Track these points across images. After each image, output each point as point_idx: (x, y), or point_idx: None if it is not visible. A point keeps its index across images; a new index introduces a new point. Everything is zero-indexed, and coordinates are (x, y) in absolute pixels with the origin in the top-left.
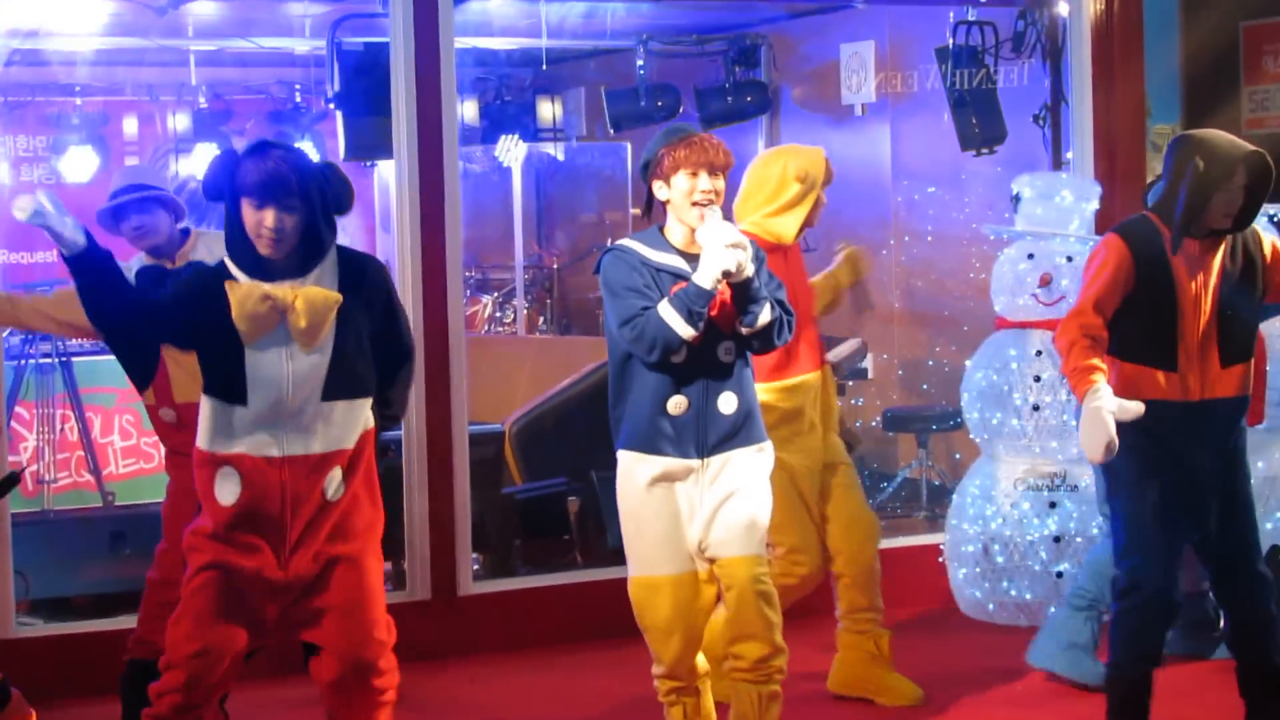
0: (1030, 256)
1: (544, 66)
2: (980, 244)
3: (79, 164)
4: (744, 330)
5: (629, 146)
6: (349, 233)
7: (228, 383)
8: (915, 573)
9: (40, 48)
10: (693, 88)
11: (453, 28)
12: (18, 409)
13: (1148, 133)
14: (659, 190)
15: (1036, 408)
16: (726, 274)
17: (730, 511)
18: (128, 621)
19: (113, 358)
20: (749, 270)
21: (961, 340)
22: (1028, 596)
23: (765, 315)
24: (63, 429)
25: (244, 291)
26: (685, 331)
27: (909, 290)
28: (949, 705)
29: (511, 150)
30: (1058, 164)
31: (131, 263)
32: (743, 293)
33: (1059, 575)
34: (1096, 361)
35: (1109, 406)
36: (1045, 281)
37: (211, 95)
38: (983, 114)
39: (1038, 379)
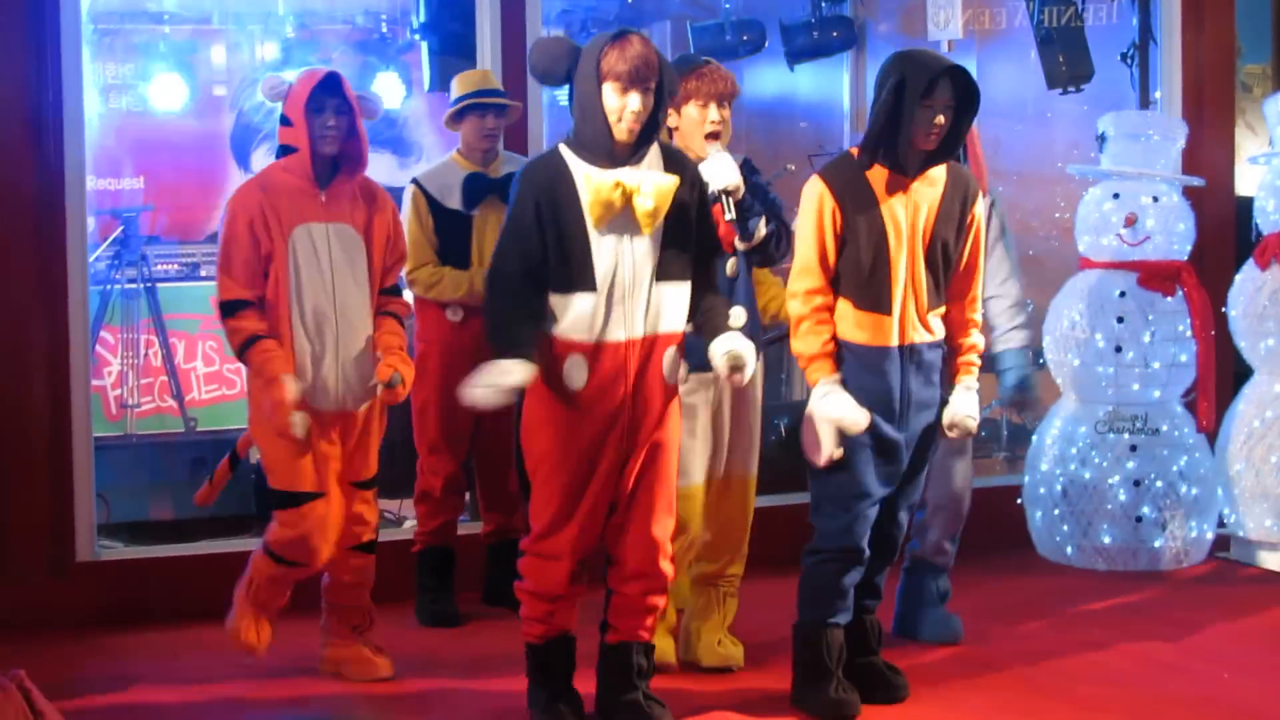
0: (1115, 196)
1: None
2: (1065, 183)
3: (167, 92)
4: (742, 246)
5: None
6: (434, 162)
7: (576, 271)
8: (993, 514)
9: None
10: (778, 22)
11: None
12: (103, 333)
13: (1237, 72)
14: (669, 118)
15: (1119, 349)
16: (726, 191)
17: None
18: (207, 546)
19: (197, 284)
20: (743, 189)
21: (1045, 280)
22: (1106, 540)
23: (761, 228)
24: (146, 354)
25: (599, 181)
26: None
27: None
28: (1026, 646)
29: None
30: (1145, 103)
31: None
32: (739, 210)
33: (1139, 520)
34: (827, 342)
35: (832, 415)
36: (1130, 222)
37: (298, 25)
38: (1070, 52)
39: (1120, 320)
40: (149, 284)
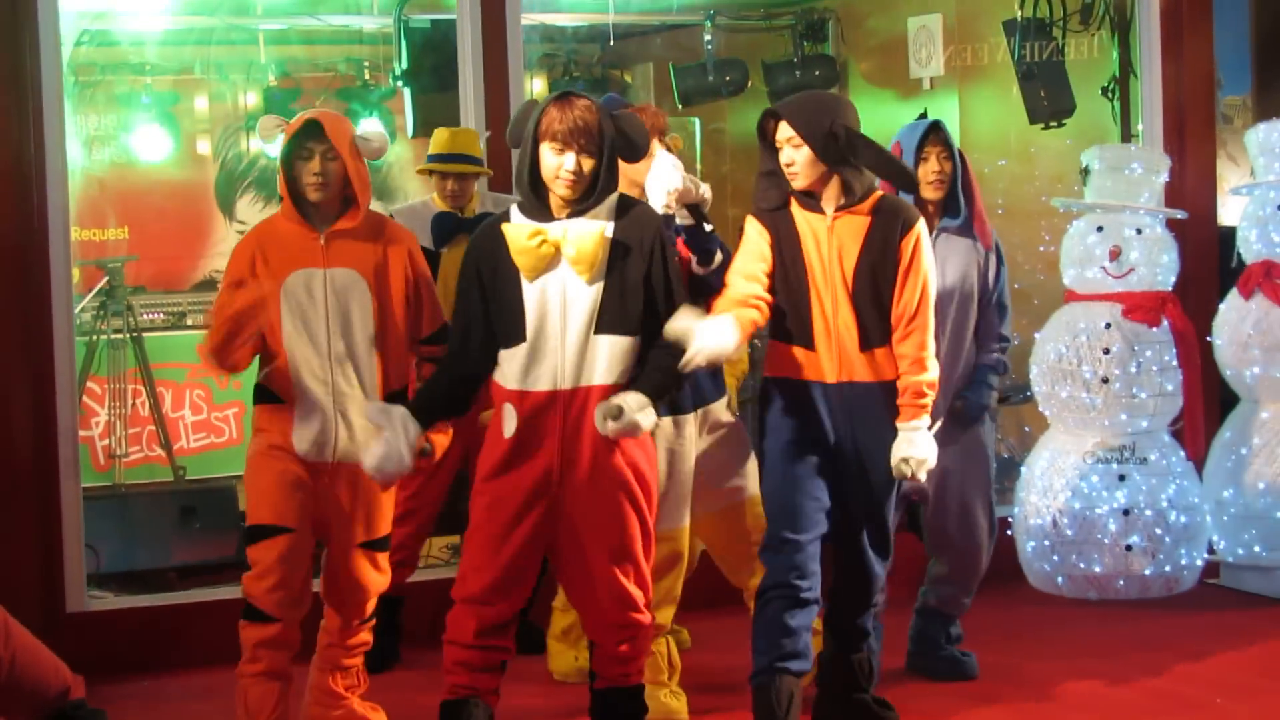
0: (1099, 229)
1: (611, 42)
2: (1049, 217)
3: (150, 143)
4: (700, 270)
5: (698, 121)
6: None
7: (511, 323)
8: None
9: (109, 27)
10: (760, 62)
11: (519, 3)
12: (90, 384)
13: (1218, 104)
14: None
15: (1105, 380)
16: (681, 195)
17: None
18: (198, 595)
19: (183, 333)
20: (696, 192)
21: (1031, 313)
22: (1097, 569)
23: (719, 255)
24: (134, 404)
25: (520, 230)
26: None
27: None
28: (1016, 677)
29: None
30: (1127, 136)
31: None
32: (698, 227)
33: (1128, 548)
34: (744, 309)
35: (706, 343)
36: (1115, 254)
37: (280, 73)
38: (1051, 87)
39: (1107, 351)
40: (135, 334)
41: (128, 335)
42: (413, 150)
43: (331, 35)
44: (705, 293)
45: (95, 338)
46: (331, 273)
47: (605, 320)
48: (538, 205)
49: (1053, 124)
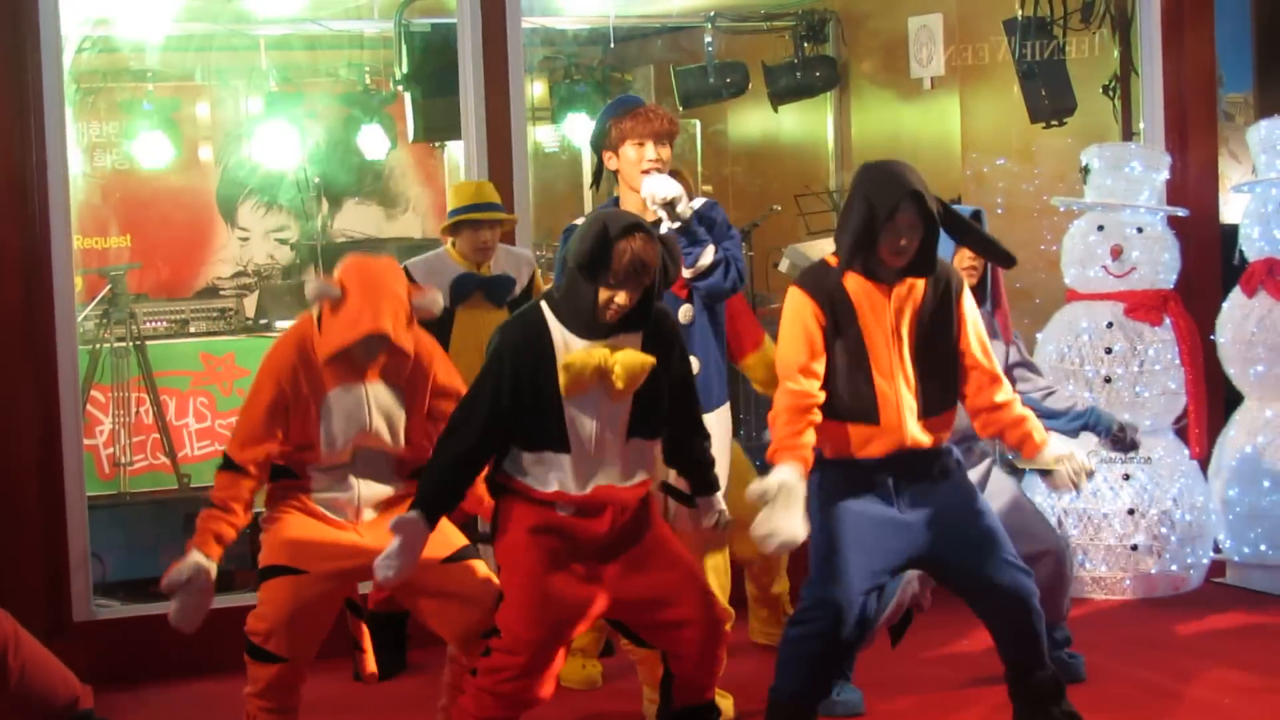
0: (1100, 228)
1: (612, 45)
2: (1050, 216)
3: (152, 150)
4: (688, 272)
5: (699, 124)
6: (419, 213)
7: (548, 431)
8: None
9: (110, 34)
10: (761, 64)
11: (520, 7)
12: (93, 392)
13: (1219, 102)
14: (609, 161)
15: (1108, 380)
16: (667, 203)
17: None
18: None
19: (186, 341)
20: (684, 202)
21: (1033, 313)
22: (1102, 570)
23: (707, 257)
24: (138, 412)
25: (573, 357)
26: None
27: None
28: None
29: (580, 129)
30: (1128, 135)
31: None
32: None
33: (1134, 548)
34: (802, 433)
35: (771, 524)
36: (1116, 253)
37: (282, 79)
38: (1052, 85)
39: (1109, 351)
40: (138, 342)
41: (131, 343)
42: (413, 155)
43: (333, 40)
44: (714, 295)
45: (98, 346)
46: (372, 387)
47: (636, 427)
48: (587, 325)
49: (1054, 123)
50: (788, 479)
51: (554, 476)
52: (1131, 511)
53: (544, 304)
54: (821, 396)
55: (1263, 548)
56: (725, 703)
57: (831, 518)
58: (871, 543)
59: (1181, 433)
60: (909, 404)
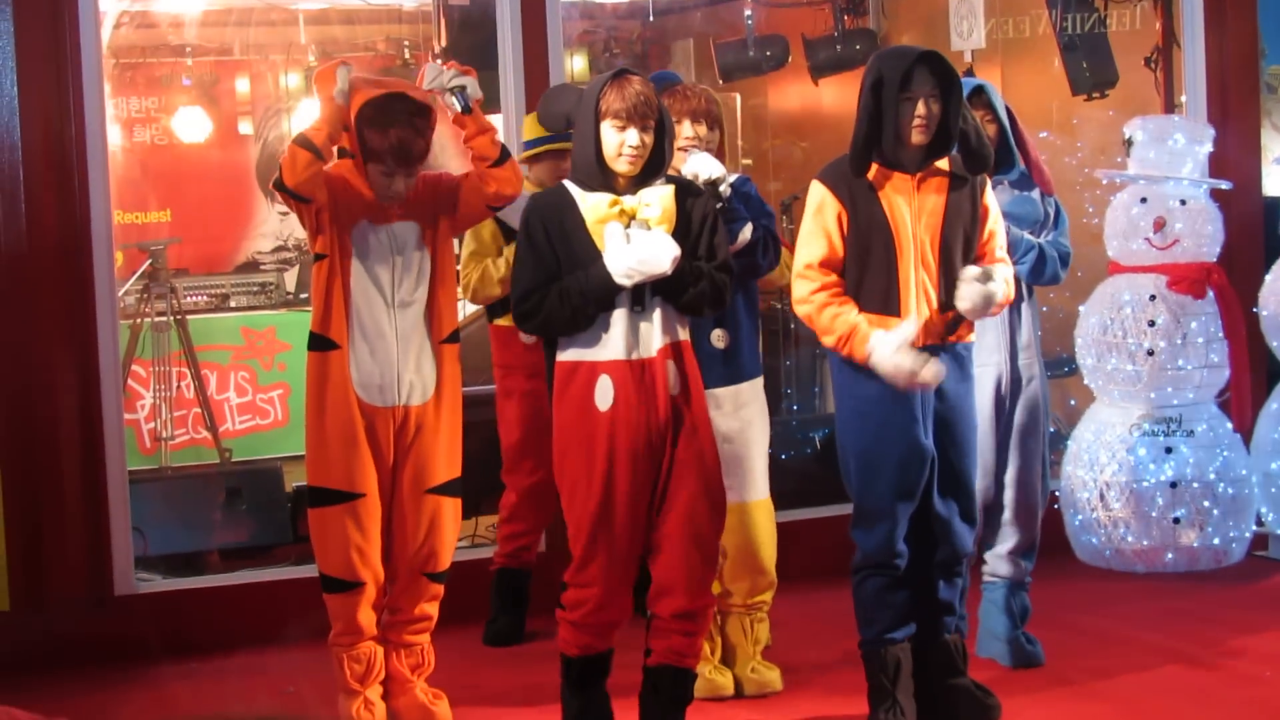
0: (1143, 201)
1: (651, 18)
2: (1093, 189)
3: (191, 124)
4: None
5: (739, 98)
6: None
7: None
8: None
9: (148, 9)
10: (801, 37)
11: None
12: (134, 367)
13: (1261, 74)
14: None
15: (1151, 352)
16: (710, 182)
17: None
18: (246, 576)
19: (227, 315)
20: (725, 182)
21: (1075, 286)
22: (1144, 543)
23: (746, 233)
24: (179, 386)
25: (595, 201)
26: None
27: None
28: (1065, 651)
29: None
30: (1170, 107)
31: None
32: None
33: (1176, 521)
34: (850, 313)
35: (895, 344)
36: (1159, 225)
37: (320, 53)
38: (1094, 58)
39: (1152, 323)
40: (179, 317)
41: (171, 318)
42: (451, 129)
43: (371, 14)
44: (752, 274)
45: (139, 321)
46: (393, 227)
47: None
48: (603, 182)
49: (1095, 95)
50: (894, 335)
51: (600, 340)
52: (1174, 485)
53: (566, 181)
54: (840, 286)
55: None
56: (722, 678)
57: (862, 437)
58: (907, 456)
59: (1224, 406)
60: (930, 295)
